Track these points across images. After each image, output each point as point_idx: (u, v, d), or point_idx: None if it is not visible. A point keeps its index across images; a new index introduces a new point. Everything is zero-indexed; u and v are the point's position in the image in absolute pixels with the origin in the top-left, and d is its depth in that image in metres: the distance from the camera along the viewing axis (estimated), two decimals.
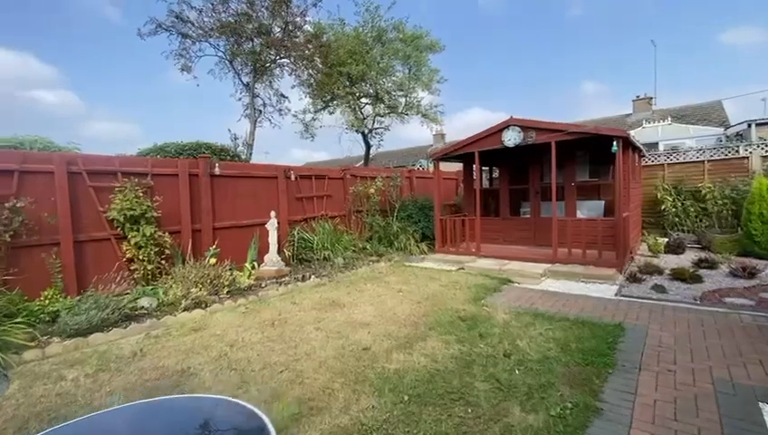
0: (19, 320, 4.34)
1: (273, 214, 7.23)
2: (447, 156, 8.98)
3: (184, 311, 5.16)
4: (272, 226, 7.18)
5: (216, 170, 6.76)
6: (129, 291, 5.43)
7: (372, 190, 9.39)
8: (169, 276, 5.69)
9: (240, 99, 10.10)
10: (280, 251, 7.38)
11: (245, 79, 9.82)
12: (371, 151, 14.20)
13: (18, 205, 4.54)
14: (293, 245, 7.94)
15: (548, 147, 7.15)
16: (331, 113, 13.25)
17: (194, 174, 6.50)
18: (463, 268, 7.68)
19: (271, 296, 6.09)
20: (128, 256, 5.58)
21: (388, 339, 4.24)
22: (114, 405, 2.97)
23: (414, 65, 12.33)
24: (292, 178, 8.08)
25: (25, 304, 4.62)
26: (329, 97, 12.23)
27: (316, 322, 4.91)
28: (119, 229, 5.54)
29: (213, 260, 6.18)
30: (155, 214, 5.78)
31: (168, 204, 6.09)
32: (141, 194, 5.65)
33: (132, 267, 5.62)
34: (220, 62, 9.73)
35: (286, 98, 10.89)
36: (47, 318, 4.61)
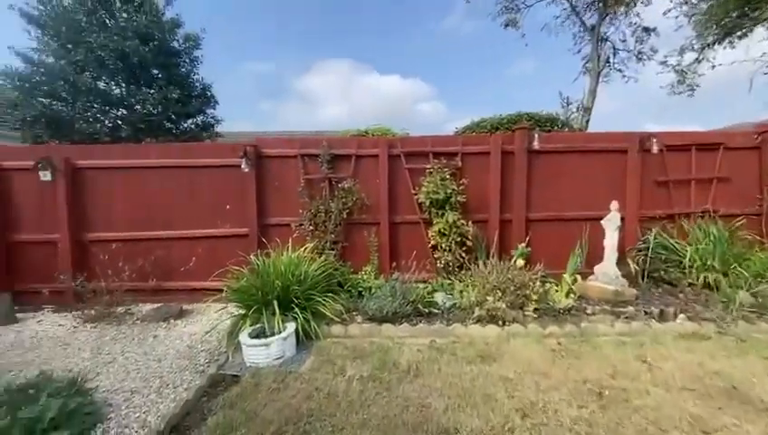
0: (343, 290, 4.76)
1: (614, 205, 4.83)
2: None
3: (476, 322, 4.08)
4: (611, 222, 4.81)
5: (535, 144, 5.18)
6: (429, 280, 5.00)
7: None
8: (468, 273, 4.79)
9: (579, 50, 7.78)
10: (621, 262, 4.89)
11: (590, 21, 7.35)
12: None
13: (346, 185, 4.95)
14: (646, 255, 5.13)
15: None
16: (732, 44, 7.97)
17: (508, 151, 5.25)
18: None
19: (600, 334, 3.93)
20: (431, 242, 5.15)
21: None
22: None
23: None
24: (654, 149, 5.16)
25: (351, 275, 5.06)
26: (733, 14, 7.25)
27: (697, 428, 2.42)
28: (426, 213, 5.20)
29: (520, 262, 4.74)
30: (460, 199, 5.02)
31: (475, 188, 5.19)
32: (448, 176, 5.01)
33: (435, 255, 5.16)
34: (553, 3, 7.79)
35: (652, 31, 7.31)
36: (365, 293, 4.82)
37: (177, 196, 5.30)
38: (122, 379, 3.30)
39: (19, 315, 4.85)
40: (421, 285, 4.65)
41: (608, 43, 7.26)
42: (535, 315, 4.24)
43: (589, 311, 4.37)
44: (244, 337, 3.52)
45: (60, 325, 4.63)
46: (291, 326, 3.65)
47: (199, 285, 5.17)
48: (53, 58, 6.63)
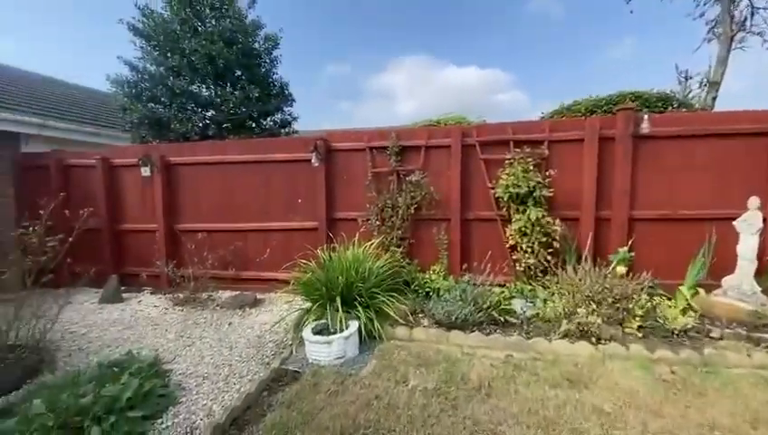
0: (410, 290, 4.50)
1: (753, 203, 3.79)
2: None
3: (563, 337, 3.49)
4: (748, 224, 3.79)
5: (644, 127, 4.29)
6: (506, 285, 4.48)
7: None
8: (554, 278, 4.17)
9: (702, 14, 6.33)
10: (761, 274, 3.84)
11: None
12: None
13: (413, 178, 4.63)
14: None
15: None
16: None
17: (607, 137, 4.44)
18: None
19: (731, 365, 3.10)
20: (510, 242, 4.60)
21: None
22: None
23: None
24: None
25: (418, 274, 4.76)
26: None
27: None
28: (504, 210, 4.65)
29: (621, 269, 3.97)
30: (545, 193, 4.38)
31: (564, 180, 4.51)
32: (531, 167, 4.41)
33: (514, 257, 4.60)
34: None
35: None
36: (432, 295, 4.49)
37: (253, 189, 5.52)
38: (197, 363, 3.45)
39: (125, 295, 5.48)
40: (497, 290, 4.17)
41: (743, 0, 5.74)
42: (640, 334, 3.51)
43: (714, 334, 3.48)
44: (307, 333, 3.45)
45: (155, 306, 5.11)
46: (353, 325, 3.49)
47: (272, 275, 5.32)
48: (154, 65, 7.46)
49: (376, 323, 3.64)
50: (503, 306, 3.98)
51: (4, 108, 6.21)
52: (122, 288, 5.55)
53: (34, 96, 7.50)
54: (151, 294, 5.62)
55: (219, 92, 7.73)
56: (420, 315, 4.09)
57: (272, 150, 5.45)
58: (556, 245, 4.38)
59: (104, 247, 5.86)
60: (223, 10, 7.72)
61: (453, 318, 3.71)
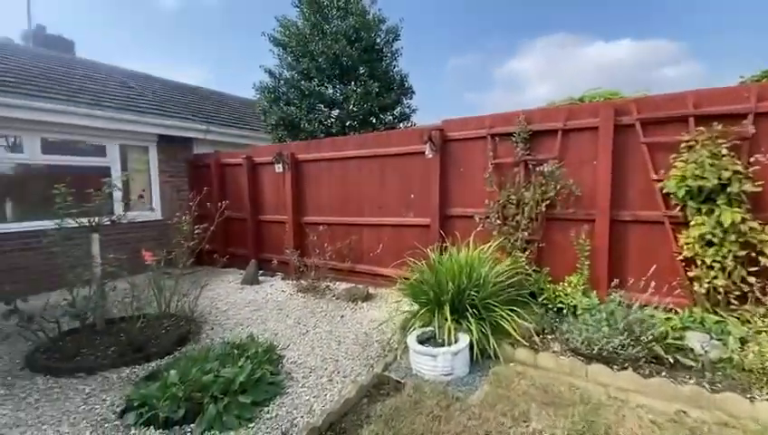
0: (537, 303, 3.78)
1: None
2: None
3: None
4: None
5: None
6: (677, 310, 3.35)
7: None
8: (759, 310, 2.90)
9: None
10: None
11: None
12: None
13: (546, 169, 3.82)
14: None
15: None
16: None
17: None
18: None
19: None
20: (685, 253, 3.41)
21: None
22: None
23: None
24: None
25: (548, 285, 3.98)
26: None
27: None
28: (677, 209, 3.48)
29: None
30: (747, 187, 3.08)
31: None
32: (725, 151, 3.15)
33: (691, 274, 3.39)
34: None
35: None
36: (567, 313, 3.68)
37: (368, 184, 5.52)
38: (307, 353, 3.52)
39: (261, 278, 6.16)
40: (660, 316, 3.14)
41: None
42: None
43: None
44: (411, 340, 3.16)
45: (282, 291, 5.58)
46: (464, 340, 3.04)
47: (382, 271, 5.24)
48: (288, 70, 8.23)
49: (492, 341, 3.11)
50: (671, 340, 2.95)
51: (185, 118, 7.67)
52: (260, 272, 6.25)
53: (201, 106, 9.13)
54: (282, 279, 6.18)
55: (342, 90, 8.08)
56: (549, 337, 3.36)
57: (386, 144, 5.33)
58: (764, 261, 3.04)
59: (248, 235, 6.72)
60: (348, 9, 8.00)
61: (595, 348, 2.90)
